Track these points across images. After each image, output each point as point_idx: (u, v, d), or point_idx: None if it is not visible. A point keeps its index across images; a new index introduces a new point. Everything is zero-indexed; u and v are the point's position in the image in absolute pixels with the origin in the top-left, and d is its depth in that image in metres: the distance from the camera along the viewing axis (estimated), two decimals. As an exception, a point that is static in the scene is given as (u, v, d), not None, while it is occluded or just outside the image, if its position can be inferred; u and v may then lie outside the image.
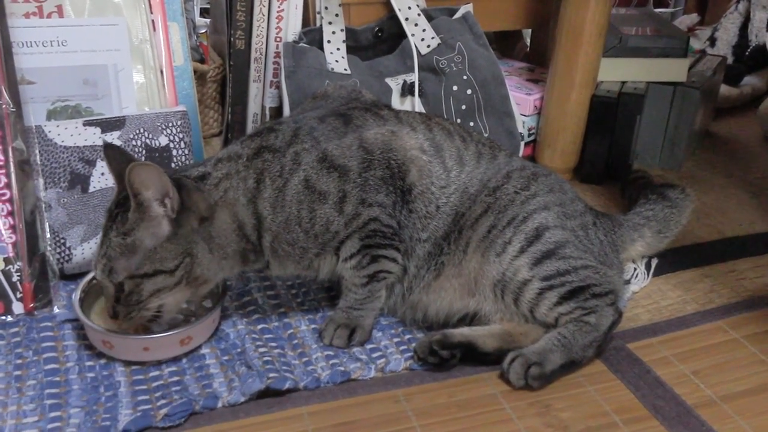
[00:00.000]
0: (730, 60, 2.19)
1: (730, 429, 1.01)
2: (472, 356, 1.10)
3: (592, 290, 1.11)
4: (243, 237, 1.07)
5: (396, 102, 1.54)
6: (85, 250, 1.24)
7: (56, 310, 1.18)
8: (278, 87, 1.67)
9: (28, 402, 1.00)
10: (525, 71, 1.88)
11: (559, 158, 1.67)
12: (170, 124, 1.31)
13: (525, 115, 1.70)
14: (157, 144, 1.30)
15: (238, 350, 1.11)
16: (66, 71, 1.30)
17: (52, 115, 1.30)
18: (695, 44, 2.26)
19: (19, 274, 1.17)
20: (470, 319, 1.16)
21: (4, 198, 1.17)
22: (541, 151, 1.70)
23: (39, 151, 1.22)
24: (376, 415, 1.02)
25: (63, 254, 1.23)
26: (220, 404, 1.01)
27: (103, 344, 1.08)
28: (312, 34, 1.58)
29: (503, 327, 1.13)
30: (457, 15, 1.63)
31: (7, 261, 1.16)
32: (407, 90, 1.54)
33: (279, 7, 1.62)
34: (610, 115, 1.65)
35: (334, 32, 1.57)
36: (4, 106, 1.17)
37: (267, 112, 1.70)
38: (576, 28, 1.56)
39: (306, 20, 1.64)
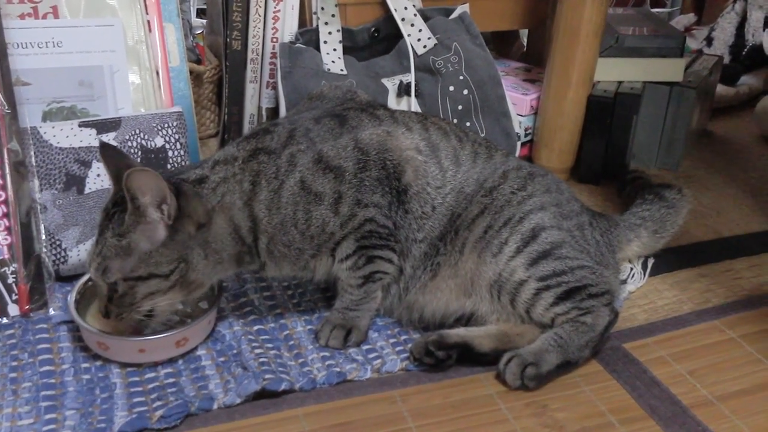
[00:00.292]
0: (726, 60, 2.19)
1: (726, 429, 1.01)
2: (468, 357, 1.10)
3: (589, 290, 1.11)
4: (239, 240, 1.07)
5: (392, 102, 1.54)
6: (80, 251, 1.24)
7: (52, 311, 1.18)
8: (275, 88, 1.67)
9: (24, 404, 1.00)
10: (522, 71, 1.88)
11: (555, 158, 1.67)
12: (166, 125, 1.31)
13: (522, 115, 1.70)
14: (153, 145, 1.30)
15: (234, 351, 1.11)
16: (61, 72, 1.30)
17: (47, 116, 1.30)
18: (692, 44, 2.26)
19: (14, 275, 1.17)
20: (466, 319, 1.16)
21: (-1, 199, 1.17)
22: (538, 151, 1.70)
23: (34, 153, 1.22)
24: (372, 416, 1.02)
25: (59, 256, 1.23)
26: (215, 406, 1.01)
27: (98, 346, 1.08)
28: (308, 35, 1.58)
29: (499, 327, 1.12)
30: (454, 15, 1.63)
31: (2, 263, 1.16)
32: (403, 90, 1.54)
33: (275, 7, 1.62)
34: (607, 115, 1.65)
35: (330, 33, 1.57)
36: (-1, 107, 1.17)
37: (263, 112, 1.70)
38: (572, 27, 1.56)
39: (302, 21, 1.64)
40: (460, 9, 1.63)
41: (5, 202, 1.17)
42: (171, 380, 1.06)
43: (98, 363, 1.09)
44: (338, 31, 1.57)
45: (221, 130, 1.78)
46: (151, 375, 1.07)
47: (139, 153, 1.29)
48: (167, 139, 1.31)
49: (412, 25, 1.59)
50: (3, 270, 1.16)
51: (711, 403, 1.05)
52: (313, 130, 1.11)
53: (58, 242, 1.23)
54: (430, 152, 1.14)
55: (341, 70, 1.54)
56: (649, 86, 1.70)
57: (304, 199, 1.07)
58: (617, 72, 1.72)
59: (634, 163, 1.74)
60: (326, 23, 1.57)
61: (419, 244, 1.14)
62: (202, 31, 1.95)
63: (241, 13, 1.63)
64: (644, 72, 1.71)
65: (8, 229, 1.17)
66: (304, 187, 1.07)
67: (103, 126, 1.27)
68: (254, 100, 1.70)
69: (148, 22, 1.38)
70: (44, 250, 1.21)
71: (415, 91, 1.54)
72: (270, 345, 1.13)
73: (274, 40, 1.64)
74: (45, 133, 1.23)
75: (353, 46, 1.61)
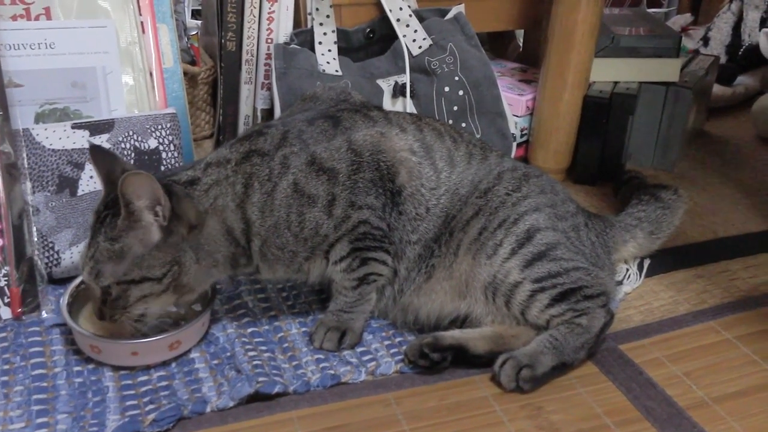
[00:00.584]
0: (723, 60, 2.19)
1: (722, 430, 1.00)
2: (463, 359, 1.09)
3: (584, 292, 1.10)
4: (232, 242, 1.07)
5: (387, 103, 1.53)
6: (73, 254, 1.23)
7: (44, 314, 1.17)
8: (269, 89, 1.66)
9: (15, 408, 1.00)
10: (517, 72, 1.87)
11: (551, 159, 1.67)
12: (160, 127, 1.30)
13: (517, 116, 1.70)
14: (147, 147, 1.29)
15: (228, 354, 1.11)
16: (54, 74, 1.29)
17: (40, 118, 1.29)
18: (688, 44, 2.26)
19: (6, 278, 1.16)
20: (461, 321, 1.15)
21: (-9, 202, 1.16)
22: (534, 152, 1.69)
23: (27, 155, 1.21)
24: (366, 418, 1.01)
25: (51, 258, 1.22)
26: (208, 409, 1.00)
27: (91, 349, 1.07)
28: (303, 36, 1.58)
29: (494, 329, 1.12)
30: (449, 16, 1.62)
31: (-6, 265, 1.16)
32: (399, 91, 1.53)
33: (270, 8, 1.61)
34: (603, 116, 1.64)
35: (325, 33, 1.56)
36: (-9, 109, 1.16)
37: (258, 113, 1.70)
38: (568, 28, 1.56)
39: (297, 21, 1.63)
40: (456, 9, 1.63)
41: (-3, 204, 1.16)
42: (164, 383, 1.05)
43: (91, 366, 1.08)
44: (333, 32, 1.57)
45: (216, 131, 1.78)
46: (144, 378, 1.06)
47: (133, 155, 1.28)
48: (161, 140, 1.30)
49: (407, 25, 1.58)
50: (-5, 273, 1.16)
51: (707, 405, 1.05)
52: (306, 132, 1.10)
53: (50, 244, 1.22)
54: (424, 153, 1.14)
55: (336, 71, 1.53)
56: (645, 86, 1.69)
57: (298, 201, 1.07)
58: (613, 72, 1.71)
59: (630, 163, 1.74)
60: (321, 24, 1.56)
61: (413, 245, 1.14)
62: (197, 32, 1.94)
63: (236, 14, 1.63)
64: (640, 72, 1.71)
65: (0, 231, 1.16)
66: (297, 189, 1.07)
67: (96, 128, 1.26)
68: (249, 101, 1.70)
69: (142, 23, 1.37)
70: (37, 252, 1.20)
71: (411, 91, 1.54)
72: (264, 347, 1.13)
73: (269, 41, 1.63)
74: (38, 134, 1.22)
75: (348, 47, 1.61)
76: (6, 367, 1.07)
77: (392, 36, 1.59)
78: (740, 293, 1.31)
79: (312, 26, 1.57)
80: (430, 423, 1.01)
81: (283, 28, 1.63)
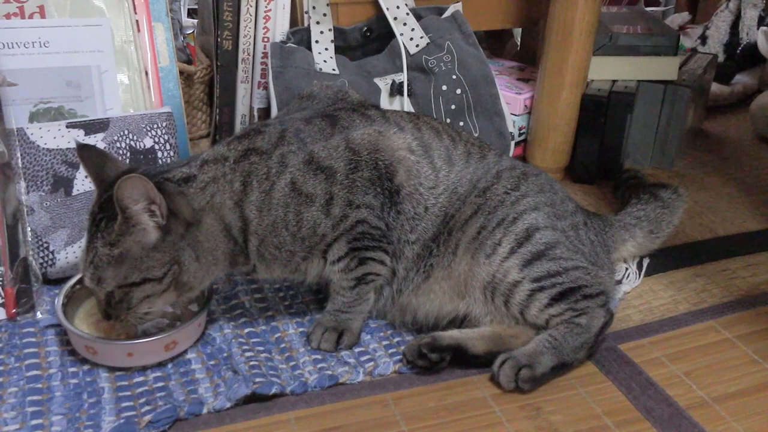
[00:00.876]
0: (721, 58, 2.19)
1: (722, 430, 1.00)
2: (461, 359, 1.08)
3: (583, 291, 1.10)
4: (230, 239, 1.06)
5: (385, 102, 1.52)
6: (68, 254, 1.22)
7: (39, 315, 1.16)
8: (266, 88, 1.65)
9: (9, 409, 0.99)
10: (515, 70, 1.87)
11: (550, 158, 1.66)
12: (155, 126, 1.29)
13: (515, 115, 1.69)
14: (142, 146, 1.28)
15: (224, 355, 1.10)
16: (48, 72, 1.28)
17: (34, 117, 1.28)
18: (686, 42, 2.25)
19: (0, 279, 1.15)
20: (460, 321, 1.14)
21: (-15, 202, 1.15)
22: (532, 151, 1.69)
23: (21, 154, 1.20)
24: (364, 419, 1.00)
25: (46, 258, 1.21)
26: (205, 410, 1.00)
27: (86, 350, 1.07)
28: (300, 34, 1.57)
29: (493, 329, 1.11)
30: (446, 14, 1.62)
31: (-12, 266, 1.15)
32: (396, 90, 1.52)
33: (266, 7, 1.60)
34: (601, 114, 1.64)
35: (322, 32, 1.55)
36: (-16, 108, 1.15)
37: (255, 113, 1.69)
38: (566, 26, 1.55)
39: (294, 20, 1.63)
40: (453, 8, 1.62)
41: (-9, 204, 1.15)
42: (160, 384, 1.04)
43: (86, 367, 1.07)
44: (330, 30, 1.56)
45: (213, 130, 1.77)
46: (140, 379, 1.05)
47: (128, 154, 1.27)
48: (156, 139, 1.29)
49: (405, 24, 1.57)
50: (-11, 273, 1.15)
51: (707, 405, 1.04)
52: (304, 131, 1.10)
53: (45, 245, 1.21)
54: (422, 152, 1.13)
55: (333, 69, 1.53)
56: (644, 85, 1.69)
57: (295, 200, 1.06)
58: (611, 71, 1.71)
59: (628, 162, 1.73)
60: (318, 22, 1.55)
61: (412, 245, 1.13)
62: (193, 31, 1.93)
63: (232, 12, 1.62)
64: (638, 71, 1.70)
65: (-6, 231, 1.15)
66: (294, 188, 1.06)
67: (91, 127, 1.25)
68: (246, 100, 1.69)
69: (137, 21, 1.36)
70: (31, 252, 1.19)
71: (408, 90, 1.53)
72: (261, 348, 1.12)
73: (266, 39, 1.62)
74: (32, 134, 1.21)
75: (345, 45, 1.60)
76: (0, 368, 1.06)
77: (389, 34, 1.58)
78: (740, 292, 1.30)
79: (309, 25, 1.56)
80: (428, 424, 1.00)
81: (279, 27, 1.62)
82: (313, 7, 1.55)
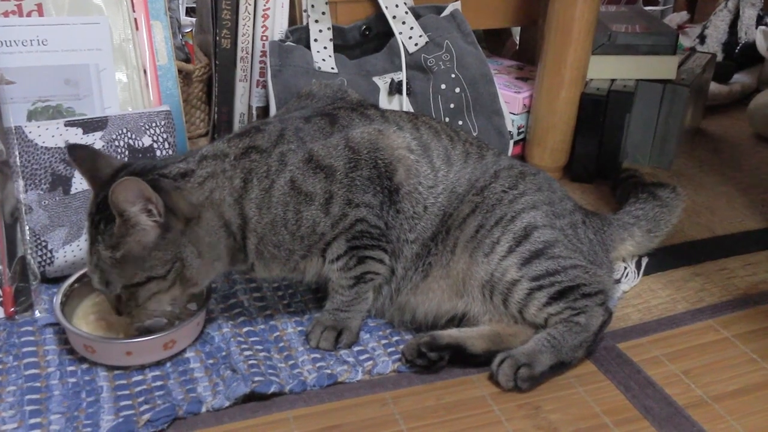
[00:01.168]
0: (719, 57, 2.19)
1: (721, 429, 1.00)
2: (460, 358, 1.08)
3: (582, 290, 1.10)
4: (230, 235, 1.06)
5: (384, 101, 1.52)
6: (67, 252, 1.22)
7: (37, 314, 1.16)
8: (265, 86, 1.65)
9: (8, 408, 0.98)
10: (514, 69, 1.87)
11: (548, 157, 1.66)
12: (154, 125, 1.29)
13: (514, 114, 1.69)
14: (141, 144, 1.28)
15: (223, 354, 1.10)
16: (47, 71, 1.28)
17: (32, 115, 1.28)
18: (685, 42, 2.25)
19: (-1, 277, 1.15)
20: (459, 320, 1.14)
21: (-17, 200, 1.15)
22: (531, 150, 1.68)
23: (19, 153, 1.20)
24: (363, 418, 1.00)
25: (44, 257, 1.21)
26: (204, 409, 0.99)
27: (85, 349, 1.06)
28: (298, 33, 1.57)
29: (492, 328, 1.11)
30: (445, 13, 1.62)
31: (-14, 264, 1.15)
32: (395, 89, 1.52)
33: (265, 5, 1.60)
34: (600, 113, 1.64)
35: (320, 30, 1.55)
36: (-18, 106, 1.15)
37: (254, 111, 1.69)
38: (565, 25, 1.55)
39: (292, 19, 1.62)
40: (452, 6, 1.62)
41: (-11, 202, 1.15)
42: (158, 383, 1.04)
43: (84, 366, 1.07)
44: (329, 29, 1.56)
45: (211, 129, 1.77)
46: (139, 378, 1.05)
47: (127, 153, 1.27)
48: (155, 138, 1.29)
49: (404, 23, 1.57)
50: (-13, 272, 1.15)
51: (706, 404, 1.04)
52: (303, 129, 1.10)
53: (43, 243, 1.21)
54: (421, 151, 1.13)
55: (332, 68, 1.52)
56: (642, 84, 1.69)
57: (295, 199, 1.06)
58: (610, 70, 1.71)
59: (626, 161, 1.73)
60: (316, 21, 1.55)
61: (411, 244, 1.13)
62: (191, 30, 1.93)
63: (231, 11, 1.62)
64: (637, 70, 1.70)
65: (-8, 230, 1.15)
66: (294, 186, 1.06)
67: (89, 125, 1.25)
68: (244, 98, 1.69)
69: (135, 19, 1.36)
70: (29, 251, 1.19)
71: (407, 89, 1.53)
72: (260, 347, 1.12)
73: (264, 38, 1.62)
74: (30, 132, 1.21)
75: (344, 44, 1.60)
76: (-2, 367, 1.06)
77: (388, 33, 1.58)
78: (738, 291, 1.30)
79: (307, 23, 1.56)
80: (427, 422, 1.00)
81: (278, 26, 1.61)
82: (312, 6, 1.55)
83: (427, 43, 1.56)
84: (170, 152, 1.30)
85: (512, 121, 1.66)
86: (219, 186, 1.04)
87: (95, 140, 1.24)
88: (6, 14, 1.26)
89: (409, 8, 1.59)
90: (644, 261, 1.36)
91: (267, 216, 1.06)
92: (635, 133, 1.72)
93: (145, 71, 1.37)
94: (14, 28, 1.26)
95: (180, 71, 1.61)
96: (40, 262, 1.21)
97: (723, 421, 1.01)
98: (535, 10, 1.82)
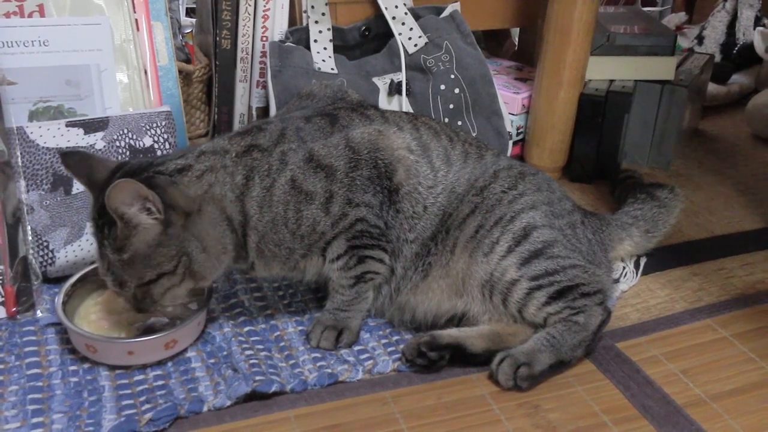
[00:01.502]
0: (717, 58, 2.19)
1: (719, 428, 1.00)
2: (460, 357, 1.09)
3: (581, 290, 1.10)
4: (232, 231, 1.06)
5: (383, 101, 1.53)
6: (68, 252, 1.22)
7: (39, 314, 1.17)
8: (265, 87, 1.65)
9: (10, 408, 0.99)
10: (513, 70, 1.87)
11: (547, 157, 1.67)
12: (154, 125, 1.30)
13: (513, 114, 1.70)
14: (142, 145, 1.28)
15: (224, 353, 1.10)
16: (48, 71, 1.29)
17: (34, 115, 1.29)
18: (683, 42, 2.26)
19: (1, 277, 1.15)
20: (458, 319, 1.15)
21: (-15, 200, 1.15)
22: (530, 150, 1.69)
23: (21, 153, 1.20)
24: (363, 417, 1.01)
25: (46, 257, 1.21)
26: (205, 408, 1.00)
27: (86, 348, 1.07)
28: (298, 34, 1.57)
29: (492, 328, 1.12)
30: (445, 14, 1.62)
31: (-12, 264, 1.15)
32: (394, 89, 1.53)
33: (265, 6, 1.60)
34: (599, 114, 1.64)
35: (320, 31, 1.56)
36: (-16, 107, 1.16)
37: (254, 112, 1.69)
38: (564, 26, 1.56)
39: (292, 19, 1.63)
40: (451, 7, 1.63)
41: (-9, 203, 1.15)
42: (160, 383, 1.05)
43: (86, 365, 1.07)
44: (328, 29, 1.56)
45: (211, 129, 1.77)
46: (140, 377, 1.06)
47: (128, 153, 1.27)
48: (156, 138, 1.30)
49: (403, 23, 1.58)
50: (-11, 272, 1.15)
51: (704, 403, 1.05)
52: (304, 129, 1.10)
53: (45, 243, 1.21)
54: (421, 152, 1.13)
55: (332, 69, 1.53)
56: (641, 85, 1.69)
57: (295, 198, 1.06)
58: (609, 70, 1.71)
59: (625, 161, 1.74)
60: (316, 22, 1.56)
61: (411, 244, 1.13)
62: (192, 30, 1.93)
63: (231, 11, 1.62)
64: (636, 70, 1.71)
65: (-6, 230, 1.15)
66: (294, 185, 1.06)
67: (90, 126, 1.25)
68: (244, 99, 1.69)
69: (136, 20, 1.36)
70: (31, 251, 1.19)
71: (406, 90, 1.53)
72: (261, 346, 1.12)
73: (264, 39, 1.63)
74: (31, 132, 1.22)
75: (344, 44, 1.60)
76: (1, 366, 1.06)
77: (388, 34, 1.59)
78: (736, 291, 1.31)
79: (307, 24, 1.57)
80: (427, 422, 1.00)
81: (278, 26, 1.62)
82: (312, 7, 1.55)
83: (426, 43, 1.57)
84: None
85: (511, 121, 1.67)
86: (219, 181, 1.04)
87: (96, 141, 1.25)
88: (7, 15, 1.27)
89: (408, 9, 1.59)
90: (643, 261, 1.37)
91: (268, 214, 1.06)
92: (634, 134, 1.73)
93: (145, 72, 1.37)
94: (16, 28, 1.26)
95: (180, 72, 1.61)
96: (41, 262, 1.21)
97: (721, 419, 1.02)
98: (534, 11, 1.82)
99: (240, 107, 1.70)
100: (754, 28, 2.17)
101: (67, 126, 1.24)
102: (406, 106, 1.53)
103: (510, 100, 1.70)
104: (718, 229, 1.52)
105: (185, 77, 1.71)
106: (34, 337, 1.12)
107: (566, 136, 1.66)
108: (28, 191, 1.20)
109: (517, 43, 2.14)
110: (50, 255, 1.22)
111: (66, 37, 1.29)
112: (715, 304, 1.27)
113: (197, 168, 1.04)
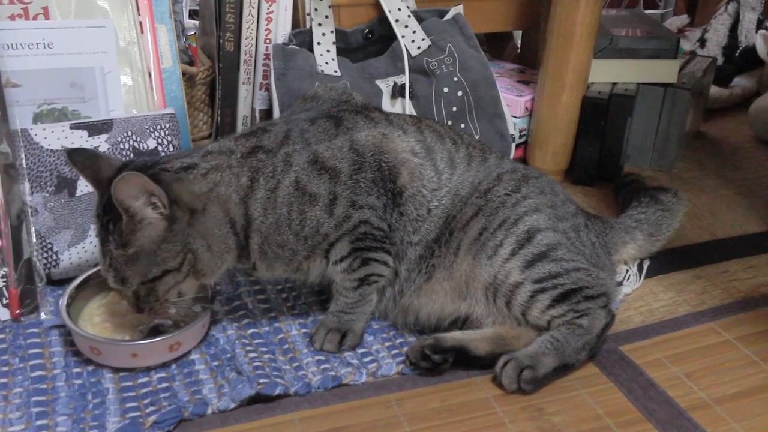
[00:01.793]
0: (720, 61, 2.20)
1: (723, 431, 1.00)
2: (464, 360, 1.09)
3: (585, 293, 1.10)
4: (235, 233, 1.06)
5: (386, 104, 1.53)
6: (72, 255, 1.23)
7: (43, 316, 1.17)
8: (268, 89, 1.66)
9: (14, 410, 0.99)
10: (516, 73, 1.87)
11: (550, 160, 1.67)
12: (158, 127, 1.30)
13: (516, 117, 1.70)
14: (146, 147, 1.29)
15: (228, 355, 1.10)
16: (52, 74, 1.29)
17: (38, 118, 1.29)
18: (685, 45, 2.26)
19: (4, 279, 1.15)
20: (462, 322, 1.15)
21: (-11, 203, 1.16)
22: (533, 153, 1.69)
23: (25, 155, 1.20)
24: (367, 420, 1.01)
25: (50, 259, 1.22)
26: (209, 411, 1.00)
27: (90, 351, 1.07)
28: (302, 36, 1.58)
29: (495, 330, 1.12)
30: (448, 16, 1.62)
31: (-8, 266, 1.15)
32: (398, 92, 1.53)
33: (268, 8, 1.61)
34: (601, 117, 1.64)
35: (323, 34, 1.56)
36: (-11, 109, 1.16)
37: (257, 114, 1.69)
38: (567, 29, 1.56)
39: (296, 22, 1.63)
40: (454, 10, 1.63)
41: (-5, 205, 1.15)
42: (164, 385, 1.05)
43: (90, 368, 1.07)
44: (332, 32, 1.56)
45: (214, 131, 1.77)
46: (144, 380, 1.06)
47: (132, 155, 1.27)
48: (160, 141, 1.30)
49: (406, 26, 1.58)
50: (-7, 274, 1.15)
51: (708, 406, 1.05)
52: (308, 131, 1.10)
53: (49, 245, 1.21)
54: (425, 155, 1.14)
55: (335, 71, 1.53)
56: (643, 88, 1.70)
57: (299, 199, 1.07)
58: (611, 73, 1.71)
59: (627, 164, 1.74)
60: (320, 24, 1.56)
61: (414, 246, 1.13)
62: (195, 32, 1.94)
63: (234, 14, 1.62)
64: (638, 73, 1.71)
65: (-2, 232, 1.15)
66: (299, 187, 1.06)
67: (94, 128, 1.25)
68: (247, 101, 1.69)
69: (140, 23, 1.36)
70: (35, 253, 1.20)
71: (410, 92, 1.54)
72: (264, 349, 1.12)
73: (268, 41, 1.63)
74: (36, 135, 1.22)
75: (347, 47, 1.60)
76: (5, 368, 1.06)
77: (391, 36, 1.59)
78: (740, 294, 1.31)
79: (311, 27, 1.57)
80: (431, 424, 1.01)
81: (281, 29, 1.62)
82: (315, 9, 1.55)
83: (429, 46, 1.57)
84: (175, 155, 1.31)
85: (514, 124, 1.67)
86: (224, 181, 1.04)
87: (101, 143, 1.25)
88: (12, 17, 1.27)
89: (411, 12, 1.60)
90: (646, 264, 1.37)
91: (272, 216, 1.06)
92: (636, 137, 1.73)
93: (149, 74, 1.37)
94: (20, 31, 1.26)
95: (183, 74, 1.61)
96: (45, 264, 1.21)
97: (725, 423, 1.02)
98: (536, 14, 1.83)
99: (243, 109, 1.70)
100: (756, 31, 2.18)
101: (71, 128, 1.24)
102: (409, 109, 1.53)
103: (513, 102, 1.70)
104: (721, 232, 1.52)
105: (188, 79, 1.71)
106: (38, 339, 1.12)
107: (569, 138, 1.66)
108: (32, 193, 1.21)
109: (519, 46, 2.15)
110: (54, 257, 1.22)
111: (70, 39, 1.29)
112: (718, 307, 1.27)
113: (203, 166, 1.05)
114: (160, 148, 1.29)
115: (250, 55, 1.65)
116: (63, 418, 0.98)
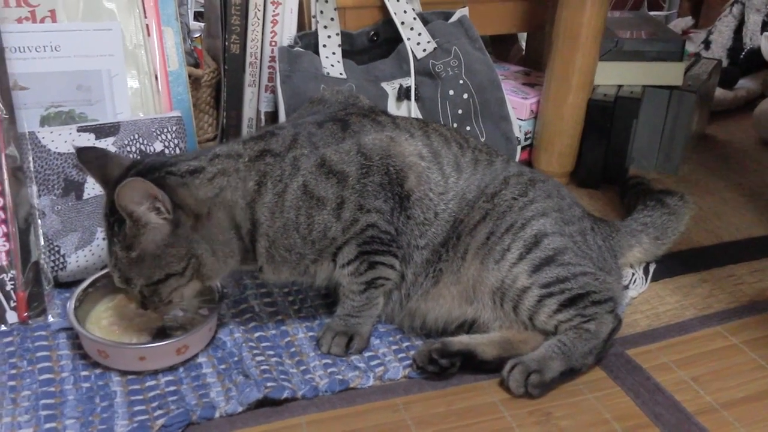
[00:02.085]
0: (725, 63, 2.19)
1: (730, 436, 1.01)
2: (471, 364, 1.09)
3: (592, 297, 1.10)
4: (240, 238, 1.06)
5: (392, 106, 1.53)
6: (79, 257, 1.23)
7: (51, 319, 1.17)
8: (273, 91, 1.66)
9: (23, 413, 0.99)
10: (521, 75, 1.87)
11: (556, 162, 1.67)
12: (165, 130, 1.30)
13: (521, 119, 1.70)
14: (152, 150, 1.29)
15: (235, 359, 1.10)
16: (59, 76, 1.29)
17: (45, 121, 1.29)
18: (690, 47, 2.26)
19: (12, 282, 1.15)
20: (469, 326, 1.15)
21: (-3, 205, 1.16)
22: (538, 156, 1.69)
23: (32, 158, 1.21)
24: (374, 424, 1.01)
25: (57, 262, 1.22)
26: (217, 414, 1.00)
27: (98, 354, 1.07)
28: (307, 38, 1.58)
29: (502, 335, 1.12)
30: (453, 19, 1.62)
31: (0, 269, 1.15)
32: (403, 94, 1.53)
33: (274, 11, 1.61)
34: (607, 119, 1.64)
35: (329, 36, 1.56)
36: (-4, 112, 1.16)
37: (262, 116, 1.69)
38: (572, 31, 1.56)
39: (301, 24, 1.63)
40: (460, 13, 1.63)
41: (3, 208, 1.15)
42: (172, 388, 1.05)
43: (98, 371, 1.07)
44: (337, 34, 1.57)
45: (220, 134, 1.77)
46: (152, 383, 1.06)
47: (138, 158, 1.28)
48: (166, 143, 1.30)
49: (412, 28, 1.58)
50: (1, 277, 1.15)
51: (715, 410, 1.05)
52: (316, 135, 1.10)
53: (56, 248, 1.21)
54: (432, 158, 1.14)
55: (340, 73, 1.53)
56: (649, 90, 1.69)
57: (307, 203, 1.07)
58: (617, 76, 1.71)
59: (633, 167, 1.74)
60: (325, 27, 1.56)
61: (421, 250, 1.14)
62: (200, 35, 1.94)
63: (240, 16, 1.62)
64: (644, 76, 1.71)
65: (6, 235, 1.15)
66: (306, 191, 1.07)
67: (101, 131, 1.26)
68: (253, 104, 1.69)
69: (147, 25, 1.36)
70: (43, 256, 1.20)
71: (415, 95, 1.54)
72: (271, 352, 1.12)
73: (273, 43, 1.63)
74: (43, 138, 1.22)
75: (352, 49, 1.60)
76: (13, 371, 1.06)
77: (396, 39, 1.59)
78: (746, 298, 1.31)
79: (316, 29, 1.57)
80: (438, 428, 1.01)
81: (287, 31, 1.62)
82: (321, 12, 1.55)
83: (435, 49, 1.57)
84: (181, 158, 1.31)
85: (519, 126, 1.67)
86: (231, 186, 1.04)
87: (107, 146, 1.25)
88: (19, 20, 1.27)
89: (417, 14, 1.60)
90: (652, 267, 1.37)
91: (279, 220, 1.06)
92: (642, 139, 1.73)
93: (156, 77, 1.37)
94: (27, 34, 1.26)
95: (189, 76, 1.61)
96: (52, 267, 1.22)
97: (732, 427, 1.02)
98: (541, 16, 1.83)
99: (248, 111, 1.70)
100: (761, 33, 2.17)
101: (78, 131, 1.24)
102: (415, 112, 1.53)
103: (518, 105, 1.70)
104: (727, 236, 1.52)
105: (194, 82, 1.71)
106: (45, 342, 1.12)
107: (574, 141, 1.66)
108: (39, 196, 1.21)
109: (524, 48, 2.15)
110: (62, 260, 1.22)
111: (77, 42, 1.29)
112: (725, 311, 1.27)
113: (210, 170, 1.05)
114: (167, 151, 1.30)
115: (256, 58, 1.65)
116: (71, 422, 0.98)
